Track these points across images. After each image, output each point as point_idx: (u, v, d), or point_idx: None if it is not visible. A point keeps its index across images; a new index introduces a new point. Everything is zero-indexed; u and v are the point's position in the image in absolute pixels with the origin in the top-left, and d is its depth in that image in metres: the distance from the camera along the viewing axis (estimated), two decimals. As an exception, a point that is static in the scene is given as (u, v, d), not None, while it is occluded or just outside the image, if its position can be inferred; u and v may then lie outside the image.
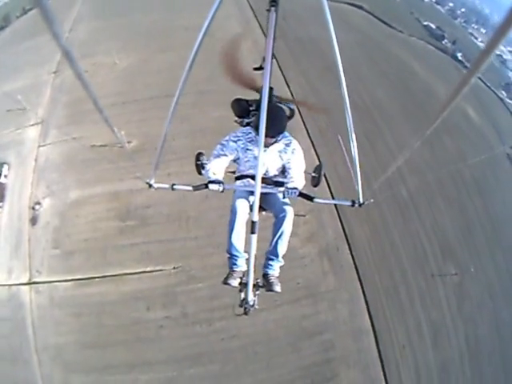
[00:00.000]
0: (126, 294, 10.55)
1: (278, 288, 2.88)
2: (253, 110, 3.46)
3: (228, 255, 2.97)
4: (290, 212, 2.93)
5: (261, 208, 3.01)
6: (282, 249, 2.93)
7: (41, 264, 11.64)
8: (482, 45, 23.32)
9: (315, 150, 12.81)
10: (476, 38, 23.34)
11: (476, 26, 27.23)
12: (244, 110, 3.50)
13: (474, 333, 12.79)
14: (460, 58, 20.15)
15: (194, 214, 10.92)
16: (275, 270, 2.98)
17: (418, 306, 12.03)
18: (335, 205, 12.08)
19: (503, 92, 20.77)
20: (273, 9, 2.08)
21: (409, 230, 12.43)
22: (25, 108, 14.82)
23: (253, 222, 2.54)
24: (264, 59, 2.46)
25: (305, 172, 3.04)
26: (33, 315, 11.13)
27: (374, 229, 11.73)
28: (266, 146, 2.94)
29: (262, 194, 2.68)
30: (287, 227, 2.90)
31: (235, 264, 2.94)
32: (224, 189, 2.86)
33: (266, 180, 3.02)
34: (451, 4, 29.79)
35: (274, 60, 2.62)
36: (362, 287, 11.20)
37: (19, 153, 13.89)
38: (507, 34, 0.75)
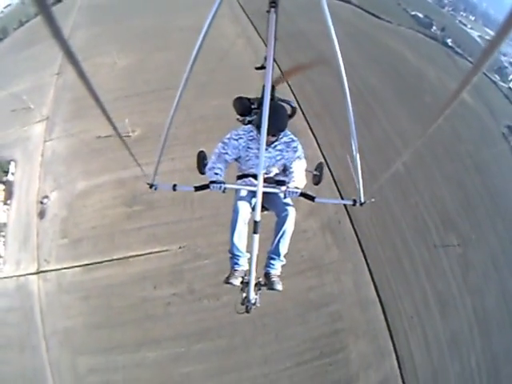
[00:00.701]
0: (133, 275, 11.10)
1: (279, 287, 2.95)
2: (254, 109, 3.57)
3: (230, 255, 3.05)
4: (291, 211, 2.99)
5: (263, 207, 3.04)
6: (284, 248, 3.00)
7: (49, 254, 12.23)
8: (471, 31, 24.54)
9: (312, 132, 13.72)
10: (465, 25, 24.64)
11: (464, 14, 28.59)
12: (246, 109, 3.60)
13: (481, 304, 13.10)
14: (450, 44, 21.32)
15: (199, 196, 11.62)
16: (277, 268, 3.06)
17: (422, 277, 12.44)
18: (334, 181, 12.86)
19: (496, 75, 21.81)
20: (273, 10, 2.18)
21: (408, 203, 13.07)
22: (29, 107, 15.74)
23: (255, 222, 2.59)
24: (266, 59, 2.60)
25: (306, 170, 3.11)
26: (41, 303, 11.61)
27: (374, 203, 12.40)
28: (268, 144, 2.99)
29: (264, 194, 2.71)
30: (289, 227, 2.96)
31: (237, 263, 3.01)
32: (225, 189, 2.93)
33: (267, 179, 3.09)
34: (438, -7, 31.22)
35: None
36: (366, 259, 11.73)
37: (25, 149, 14.72)
38: (509, 34, 0.77)
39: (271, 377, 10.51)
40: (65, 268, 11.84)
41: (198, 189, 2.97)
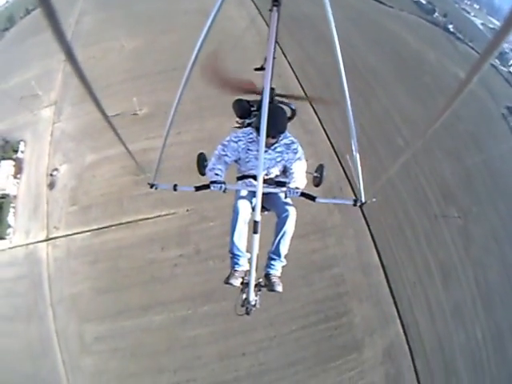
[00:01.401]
0: (141, 237, 11.72)
1: (279, 288, 3.01)
2: (254, 111, 3.66)
3: (230, 255, 3.11)
4: (292, 212, 3.05)
5: (263, 208, 3.10)
6: (285, 249, 3.07)
7: (58, 221, 12.85)
8: (474, 19, 25.53)
9: (313, 108, 14.56)
10: (468, 13, 25.66)
11: (469, 2, 29.48)
12: (245, 111, 3.69)
13: (483, 277, 13.52)
14: (452, 29, 22.27)
15: (205, 164, 12.48)
16: (277, 269, 3.13)
17: (424, 245, 12.97)
18: (336, 153, 13.62)
19: (496, 60, 22.69)
20: (275, 9, 2.21)
21: (409, 175, 13.77)
22: (37, 94, 16.48)
23: (255, 222, 2.65)
24: (265, 60, 2.66)
25: (306, 172, 3.19)
26: (49, 269, 12.08)
27: (374, 172, 13.12)
28: (267, 146, 3.05)
29: (264, 195, 2.74)
30: (289, 227, 3.02)
31: (237, 264, 3.06)
32: (226, 189, 2.97)
33: (267, 180, 3.15)
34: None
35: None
36: (368, 225, 12.31)
37: (35, 130, 15.47)
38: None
39: (277, 340, 10.99)
40: (74, 234, 12.46)
41: (198, 189, 3.07)
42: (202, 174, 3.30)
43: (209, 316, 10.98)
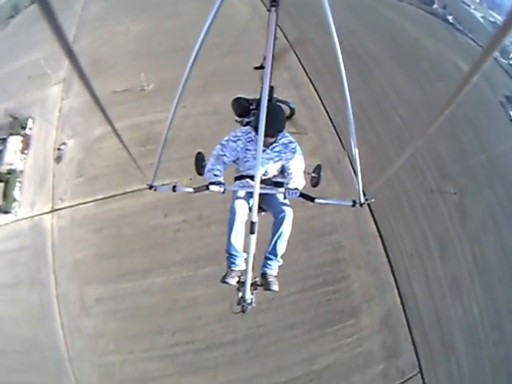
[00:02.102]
0: (145, 205, 12.36)
1: (275, 287, 3.16)
2: (253, 109, 3.74)
3: (227, 254, 3.24)
4: (289, 213, 3.18)
5: (260, 208, 3.23)
6: (281, 249, 3.22)
7: (64, 193, 13.47)
8: (474, 12, 26.61)
9: (313, 86, 15.50)
10: (468, 6, 26.71)
11: (469, -5, 30.59)
12: (244, 109, 3.78)
13: (481, 254, 14.01)
14: (451, 20, 23.32)
15: (209, 135, 13.13)
16: (274, 269, 3.28)
17: (421, 218, 13.58)
18: (334, 127, 14.48)
19: (497, 52, 23.45)
20: (273, 9, 2.27)
21: (404, 150, 14.55)
22: (46, 72, 17.22)
23: (252, 223, 2.74)
24: (265, 58, 2.71)
25: (304, 172, 3.32)
26: (53, 238, 12.52)
27: (371, 146, 13.94)
28: (266, 145, 3.13)
29: (262, 195, 2.81)
30: (286, 228, 3.16)
31: (234, 263, 3.20)
32: (225, 190, 3.09)
33: (265, 180, 3.26)
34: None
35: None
36: (365, 195, 13.06)
37: (43, 107, 16.20)
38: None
39: (276, 302, 11.35)
40: (79, 204, 13.12)
41: (197, 190, 3.19)
42: (200, 174, 3.39)
43: (209, 277, 11.37)
